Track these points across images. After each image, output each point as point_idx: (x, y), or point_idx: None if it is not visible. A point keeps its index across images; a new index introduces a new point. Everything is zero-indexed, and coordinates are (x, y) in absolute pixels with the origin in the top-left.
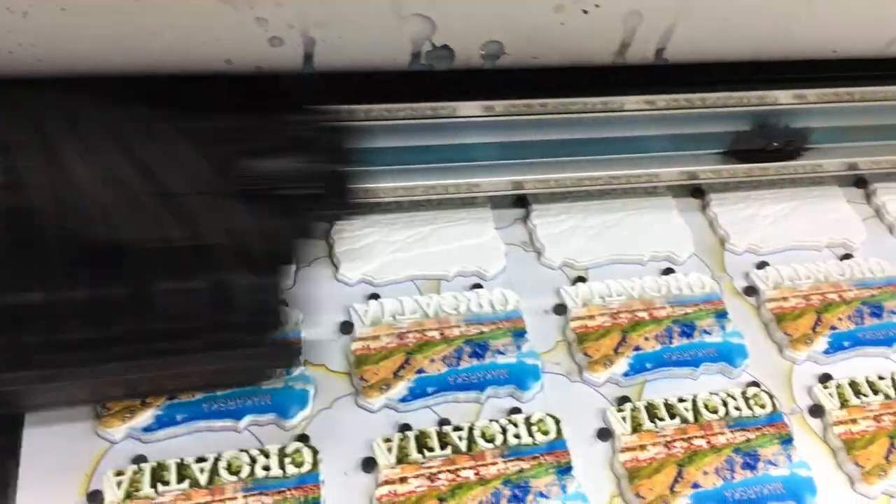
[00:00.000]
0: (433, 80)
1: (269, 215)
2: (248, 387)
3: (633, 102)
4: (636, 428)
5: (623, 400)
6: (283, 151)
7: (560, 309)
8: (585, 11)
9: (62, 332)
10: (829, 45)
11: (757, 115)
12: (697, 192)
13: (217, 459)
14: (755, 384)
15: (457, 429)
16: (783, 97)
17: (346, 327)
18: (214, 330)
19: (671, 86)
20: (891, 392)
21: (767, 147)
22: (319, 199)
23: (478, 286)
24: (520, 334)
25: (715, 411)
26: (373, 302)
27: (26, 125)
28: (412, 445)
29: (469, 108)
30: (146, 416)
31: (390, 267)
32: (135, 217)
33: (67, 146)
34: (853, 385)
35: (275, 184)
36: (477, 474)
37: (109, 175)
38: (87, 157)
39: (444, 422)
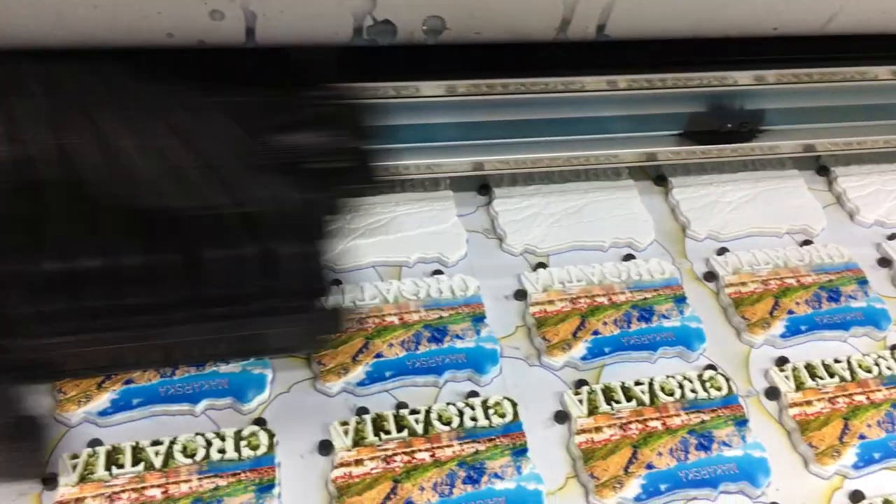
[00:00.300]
0: (389, 57)
1: (304, 187)
2: (301, 352)
3: (593, 83)
4: (592, 410)
5: (580, 383)
6: (308, 126)
7: (520, 294)
8: None
9: (120, 297)
10: (770, 22)
11: (712, 96)
12: (660, 179)
13: (172, 443)
14: (712, 367)
15: (414, 412)
16: (738, 78)
17: None
18: (264, 296)
19: (625, 66)
20: (846, 375)
21: (721, 128)
22: (345, 173)
23: (439, 272)
24: (479, 319)
25: (671, 394)
26: (333, 287)
27: (69, 99)
28: (369, 428)
29: (431, 88)
30: (102, 401)
31: (351, 253)
32: (180, 186)
33: (110, 118)
34: (809, 368)
35: (303, 157)
36: (433, 456)
37: (152, 146)
38: (129, 129)
39: (401, 405)
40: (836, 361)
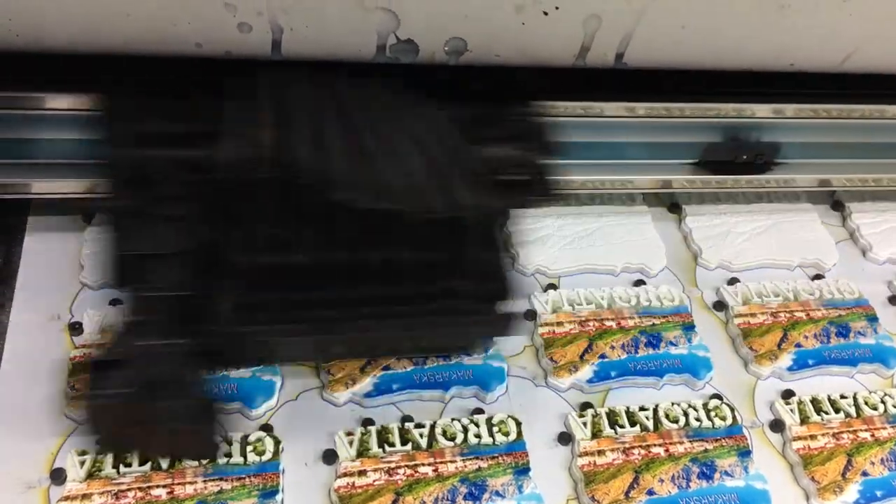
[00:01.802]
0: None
1: (498, 196)
2: (465, 353)
3: (612, 108)
4: (596, 433)
5: (585, 406)
6: (506, 140)
7: (530, 314)
8: (546, 13)
9: (321, 291)
10: (787, 58)
11: (729, 127)
12: (674, 206)
13: None
14: (718, 397)
15: (418, 426)
16: (756, 111)
17: None
18: (448, 297)
19: (642, 93)
20: (851, 411)
21: (737, 159)
22: (529, 185)
23: None
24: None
25: (675, 421)
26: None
27: (318, 100)
28: (373, 440)
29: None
30: None
31: None
32: (411, 190)
33: (356, 122)
34: (815, 402)
35: (499, 168)
36: (435, 471)
37: (390, 149)
38: (373, 132)
39: (406, 418)
40: (843, 397)
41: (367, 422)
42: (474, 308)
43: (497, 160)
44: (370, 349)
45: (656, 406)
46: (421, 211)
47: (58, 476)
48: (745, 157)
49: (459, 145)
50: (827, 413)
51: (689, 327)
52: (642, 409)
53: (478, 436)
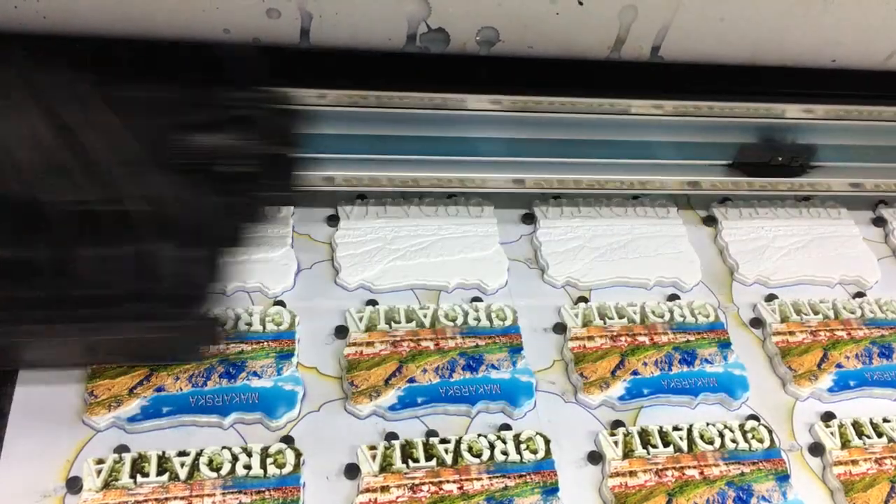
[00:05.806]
0: (437, 67)
1: (200, 189)
2: (172, 362)
3: (639, 106)
4: (628, 453)
5: (616, 424)
6: (220, 127)
7: (559, 328)
8: (581, 3)
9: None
10: (828, 54)
11: (764, 127)
12: (710, 219)
13: (199, 454)
14: (755, 418)
15: (444, 441)
16: (791, 111)
17: (341, 331)
18: (136, 300)
19: (676, 90)
20: (895, 435)
21: (772, 161)
22: (255, 178)
23: (477, 299)
24: (516, 350)
25: (711, 442)
26: (369, 307)
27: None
28: (397, 455)
29: (477, 102)
30: (132, 406)
31: (390, 274)
32: (51, 178)
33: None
34: (856, 425)
35: (209, 159)
36: (460, 488)
37: (29, 135)
38: (7, 116)
39: (431, 433)
40: (885, 421)
41: (391, 436)
42: (165, 313)
43: (203, 149)
44: (87, 353)
45: (690, 426)
46: (71, 202)
47: (73, 485)
48: (780, 158)
49: (141, 132)
50: (869, 437)
51: (724, 344)
52: (676, 428)
53: (505, 453)
